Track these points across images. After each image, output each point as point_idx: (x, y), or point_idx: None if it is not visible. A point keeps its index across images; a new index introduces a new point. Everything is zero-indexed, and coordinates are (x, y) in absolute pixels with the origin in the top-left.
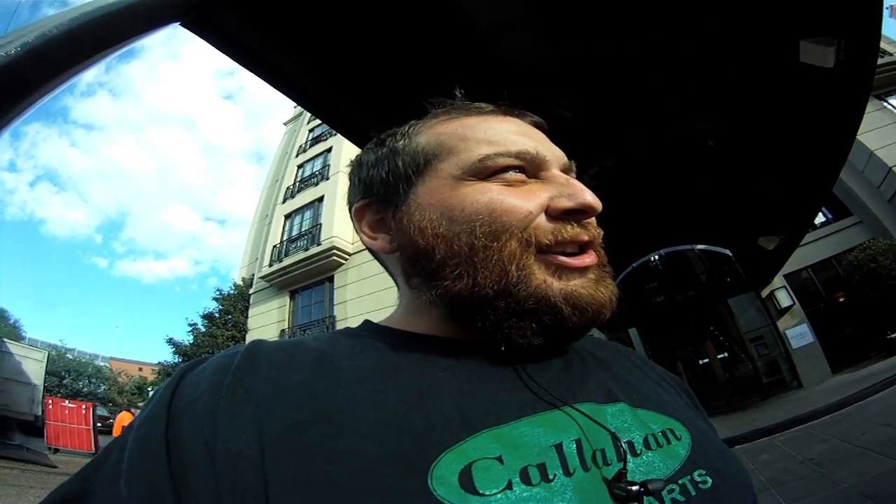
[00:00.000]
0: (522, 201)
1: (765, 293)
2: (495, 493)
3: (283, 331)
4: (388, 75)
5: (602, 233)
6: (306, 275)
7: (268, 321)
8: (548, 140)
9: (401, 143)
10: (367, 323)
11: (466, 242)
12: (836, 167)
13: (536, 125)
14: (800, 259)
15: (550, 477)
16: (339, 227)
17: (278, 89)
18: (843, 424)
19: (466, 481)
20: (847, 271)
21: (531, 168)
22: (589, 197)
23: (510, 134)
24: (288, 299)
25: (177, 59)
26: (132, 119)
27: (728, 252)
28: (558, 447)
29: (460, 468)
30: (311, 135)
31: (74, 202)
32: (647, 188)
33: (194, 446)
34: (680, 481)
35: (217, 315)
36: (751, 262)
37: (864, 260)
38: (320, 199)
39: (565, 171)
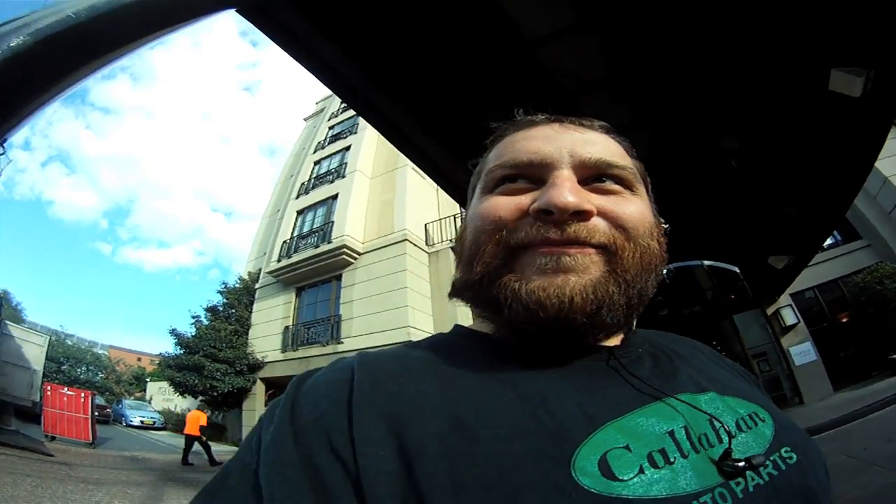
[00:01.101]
0: (500, 208)
1: (770, 311)
2: (632, 478)
3: (287, 328)
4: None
5: (615, 236)
6: (314, 272)
7: (272, 317)
8: (585, 141)
9: (480, 162)
10: (458, 328)
11: (468, 247)
12: (852, 192)
13: (585, 127)
14: (806, 279)
15: (671, 460)
16: (351, 226)
17: (321, 80)
18: (845, 440)
19: (605, 470)
20: (853, 293)
21: (534, 174)
22: (556, 197)
23: (528, 143)
24: (294, 296)
25: (199, 47)
26: (149, 105)
27: (736, 269)
28: (671, 433)
29: (598, 458)
30: (330, 132)
31: (83, 185)
32: (664, 202)
33: (330, 464)
34: (772, 457)
35: (220, 308)
36: (759, 280)
37: (871, 282)
38: (334, 197)
39: (587, 169)
